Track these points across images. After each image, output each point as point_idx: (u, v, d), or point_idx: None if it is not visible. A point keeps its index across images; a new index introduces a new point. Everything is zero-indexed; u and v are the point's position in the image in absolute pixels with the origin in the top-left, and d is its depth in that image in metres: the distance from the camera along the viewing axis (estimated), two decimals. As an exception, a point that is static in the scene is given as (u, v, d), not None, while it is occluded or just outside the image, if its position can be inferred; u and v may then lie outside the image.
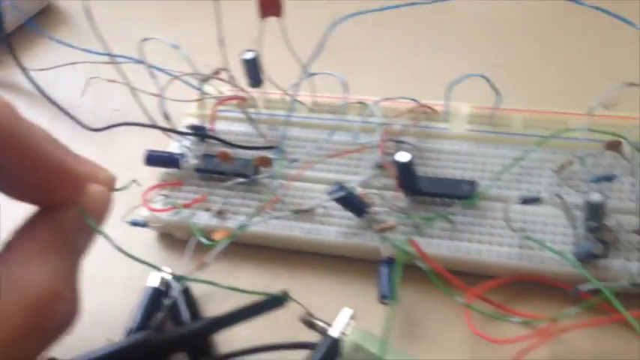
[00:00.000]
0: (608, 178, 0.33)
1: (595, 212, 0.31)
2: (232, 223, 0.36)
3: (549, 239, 0.32)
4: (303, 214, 0.35)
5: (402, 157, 0.33)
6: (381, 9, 0.37)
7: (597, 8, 0.31)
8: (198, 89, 0.40)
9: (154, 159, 0.39)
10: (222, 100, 0.40)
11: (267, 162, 0.35)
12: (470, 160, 0.36)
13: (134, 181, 0.31)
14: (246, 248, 0.36)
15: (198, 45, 0.48)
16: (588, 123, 0.34)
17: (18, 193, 0.26)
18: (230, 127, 0.40)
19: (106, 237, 0.27)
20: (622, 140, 0.32)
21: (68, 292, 0.25)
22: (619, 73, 0.41)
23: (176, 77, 0.38)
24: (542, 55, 0.44)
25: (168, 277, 0.33)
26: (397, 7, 0.36)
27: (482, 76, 0.35)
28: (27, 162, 0.25)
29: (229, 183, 0.37)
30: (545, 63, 0.43)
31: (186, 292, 0.34)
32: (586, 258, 0.31)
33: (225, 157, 0.35)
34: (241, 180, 0.37)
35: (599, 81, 0.41)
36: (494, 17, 0.46)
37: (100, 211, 0.28)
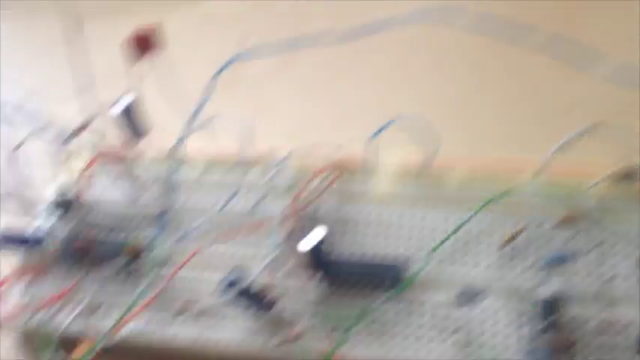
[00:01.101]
0: (563, 260, 0.26)
1: (549, 308, 0.25)
2: (106, 322, 0.29)
3: (492, 341, 0.26)
4: (191, 312, 0.28)
5: (312, 240, 0.27)
6: (290, 45, 0.30)
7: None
8: (63, 149, 0.32)
9: (9, 241, 0.31)
10: (93, 162, 0.33)
11: (136, 253, 0.27)
12: (396, 230, 0.30)
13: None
14: (123, 354, 0.29)
15: (59, 91, 0.40)
16: (538, 184, 0.27)
17: None
18: (106, 191, 0.33)
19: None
20: (579, 215, 0.26)
21: None
22: (577, 103, 0.35)
23: (25, 139, 0.30)
24: (484, 83, 0.37)
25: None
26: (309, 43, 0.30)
27: (410, 125, 0.29)
28: None
29: (101, 271, 0.30)
30: (488, 94, 0.36)
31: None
32: (540, 371, 0.25)
33: (87, 248, 0.28)
34: (115, 268, 0.30)
35: (557, 115, 0.35)
36: (424, 48, 0.39)
37: None
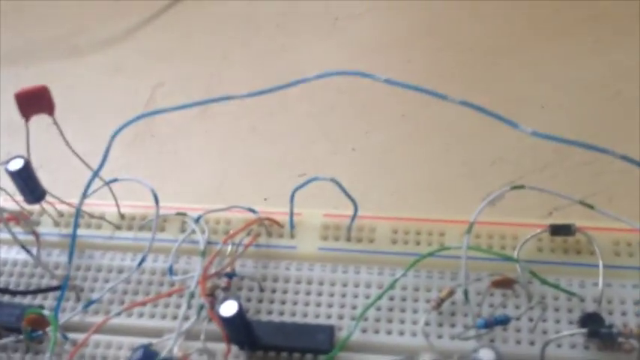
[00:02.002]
0: (502, 321, 0.25)
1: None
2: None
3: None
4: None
5: (227, 309, 0.24)
6: (207, 101, 0.29)
7: (462, 102, 0.24)
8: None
9: None
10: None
11: (39, 324, 0.24)
12: (325, 290, 0.28)
13: None
14: None
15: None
16: (466, 239, 0.26)
17: None
18: (7, 254, 0.30)
19: None
20: (514, 279, 0.24)
21: None
22: (504, 152, 0.34)
23: None
24: (411, 132, 0.36)
25: None
26: (231, 98, 0.28)
27: (333, 181, 0.27)
28: None
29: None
30: (416, 143, 0.35)
31: None
32: None
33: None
34: (13, 338, 0.27)
35: (481, 163, 0.34)
36: (350, 87, 0.38)
37: None
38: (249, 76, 0.39)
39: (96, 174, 0.27)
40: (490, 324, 0.25)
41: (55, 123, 0.27)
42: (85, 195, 0.27)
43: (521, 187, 0.26)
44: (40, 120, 0.27)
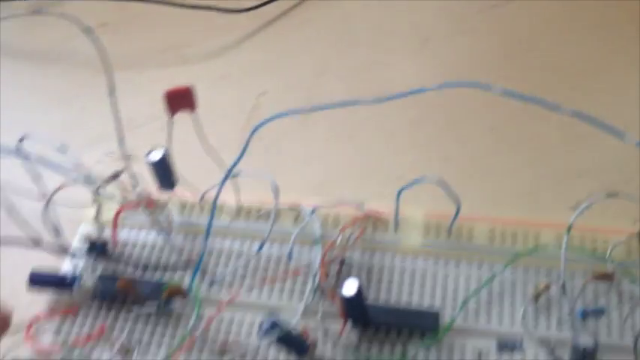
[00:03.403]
0: (598, 313, 0.27)
1: (584, 359, 0.26)
2: (141, 363, 0.29)
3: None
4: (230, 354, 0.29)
5: (349, 289, 0.27)
6: (313, 109, 0.31)
7: (575, 112, 0.26)
8: (96, 193, 0.32)
9: (40, 281, 0.31)
10: (125, 207, 0.33)
11: (179, 293, 0.28)
12: (427, 281, 0.31)
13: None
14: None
15: (99, 127, 0.41)
16: (565, 239, 0.28)
17: None
18: (137, 237, 0.33)
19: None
20: (615, 273, 0.27)
21: None
22: (590, 165, 0.36)
23: (64, 185, 0.30)
24: (499, 145, 0.38)
25: None
26: (334, 106, 0.31)
27: (439, 182, 0.30)
28: None
29: (135, 313, 0.30)
30: (505, 155, 0.38)
31: None
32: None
33: (127, 287, 0.28)
34: (149, 309, 0.30)
35: (568, 175, 0.36)
36: (442, 101, 0.41)
37: None
38: (345, 88, 0.42)
39: (233, 167, 0.30)
40: (587, 314, 0.27)
41: (196, 120, 0.30)
42: (221, 187, 0.30)
43: (616, 194, 0.28)
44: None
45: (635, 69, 0.40)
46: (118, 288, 0.27)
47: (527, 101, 0.26)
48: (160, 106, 0.41)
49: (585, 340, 0.25)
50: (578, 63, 0.41)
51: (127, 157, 0.32)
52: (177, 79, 0.42)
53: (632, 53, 0.41)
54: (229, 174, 0.30)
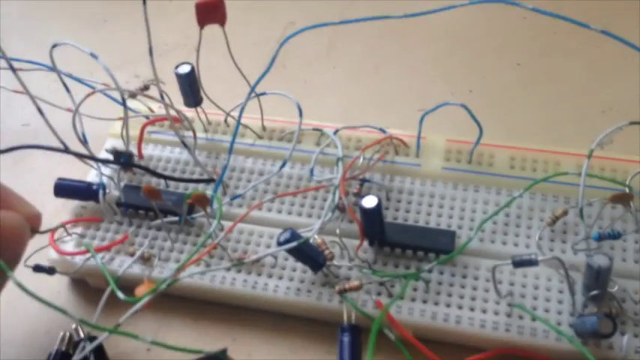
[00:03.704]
0: (613, 236, 0.27)
1: (598, 278, 0.26)
2: (160, 271, 0.30)
3: (542, 306, 0.27)
4: (249, 263, 0.29)
5: (369, 202, 0.27)
6: (343, 22, 0.31)
7: (604, 31, 0.26)
8: (123, 105, 0.33)
9: (66, 189, 0.32)
10: (151, 121, 0.34)
11: (203, 201, 0.28)
12: (446, 204, 0.31)
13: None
14: (178, 301, 0.30)
15: (126, 52, 0.42)
16: (585, 165, 0.28)
17: None
18: (161, 152, 0.34)
19: (14, 279, 0.21)
20: (632, 195, 0.27)
21: None
22: (614, 102, 0.36)
23: (95, 90, 0.31)
24: (525, 80, 0.38)
25: (80, 333, 0.28)
26: (360, 20, 0.31)
27: (463, 106, 0.30)
28: None
29: (157, 222, 0.31)
30: (529, 90, 0.38)
31: (99, 353, 0.28)
32: (588, 335, 0.26)
33: (152, 193, 0.28)
34: (172, 219, 0.31)
35: (591, 111, 0.36)
36: (469, 35, 0.41)
37: (12, 247, 0.24)
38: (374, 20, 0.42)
39: (258, 81, 0.30)
40: (603, 237, 0.27)
41: (224, 33, 0.30)
42: (244, 106, 0.31)
43: (638, 122, 0.28)
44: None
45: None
46: (143, 193, 0.28)
47: (556, 17, 0.25)
48: (186, 34, 0.42)
49: (600, 259, 0.25)
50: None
51: (154, 69, 0.32)
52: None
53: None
54: (254, 88, 0.30)
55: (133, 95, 0.33)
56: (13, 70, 0.27)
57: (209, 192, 0.30)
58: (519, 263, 0.25)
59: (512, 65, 0.39)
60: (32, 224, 0.27)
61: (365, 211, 0.28)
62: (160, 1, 0.44)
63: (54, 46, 0.30)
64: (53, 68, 0.30)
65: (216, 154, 0.34)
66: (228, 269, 0.29)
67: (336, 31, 0.42)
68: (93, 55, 0.30)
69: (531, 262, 0.25)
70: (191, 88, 0.32)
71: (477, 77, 0.39)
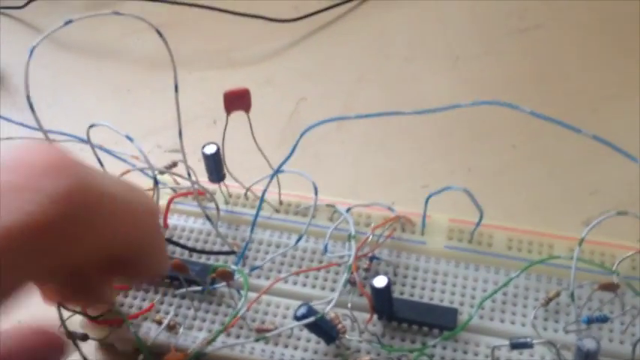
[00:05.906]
0: (602, 320, 0.30)
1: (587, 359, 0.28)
2: (184, 339, 0.32)
3: (537, 384, 0.30)
4: (268, 334, 0.32)
5: (379, 282, 0.30)
6: (358, 116, 0.34)
7: (595, 137, 0.29)
8: (155, 183, 0.35)
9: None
10: (178, 195, 0.36)
11: (228, 276, 0.31)
12: (449, 281, 0.34)
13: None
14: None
15: (148, 122, 0.44)
16: (577, 251, 0.31)
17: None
18: (185, 222, 0.37)
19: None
20: (620, 284, 0.30)
21: None
22: (601, 184, 0.39)
23: (130, 170, 0.34)
24: (519, 160, 0.41)
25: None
26: (371, 116, 0.34)
27: (465, 191, 0.33)
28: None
29: (182, 291, 0.33)
30: (523, 170, 0.41)
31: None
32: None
33: (180, 268, 0.31)
34: (195, 289, 0.33)
35: (580, 193, 0.39)
36: (469, 118, 0.44)
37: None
38: (381, 98, 0.45)
39: (282, 164, 0.33)
40: (592, 320, 0.30)
41: (249, 119, 0.33)
42: (270, 181, 0.33)
43: (625, 212, 0.31)
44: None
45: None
46: (172, 267, 0.30)
47: (552, 122, 0.28)
48: (206, 105, 0.45)
49: (588, 343, 0.28)
50: (600, 89, 0.44)
51: (182, 150, 0.35)
52: (224, 81, 0.46)
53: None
54: (277, 170, 0.33)
55: (162, 173, 0.35)
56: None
57: (233, 266, 0.33)
58: (516, 345, 0.28)
59: (507, 146, 0.42)
60: None
61: (376, 290, 0.30)
62: (180, 73, 0.47)
63: (91, 126, 0.33)
64: (88, 142, 0.33)
65: (236, 225, 0.36)
66: (257, 340, 0.31)
67: (347, 107, 0.45)
68: (129, 138, 0.32)
69: (527, 345, 0.28)
70: (216, 166, 0.35)
71: (476, 156, 0.42)
